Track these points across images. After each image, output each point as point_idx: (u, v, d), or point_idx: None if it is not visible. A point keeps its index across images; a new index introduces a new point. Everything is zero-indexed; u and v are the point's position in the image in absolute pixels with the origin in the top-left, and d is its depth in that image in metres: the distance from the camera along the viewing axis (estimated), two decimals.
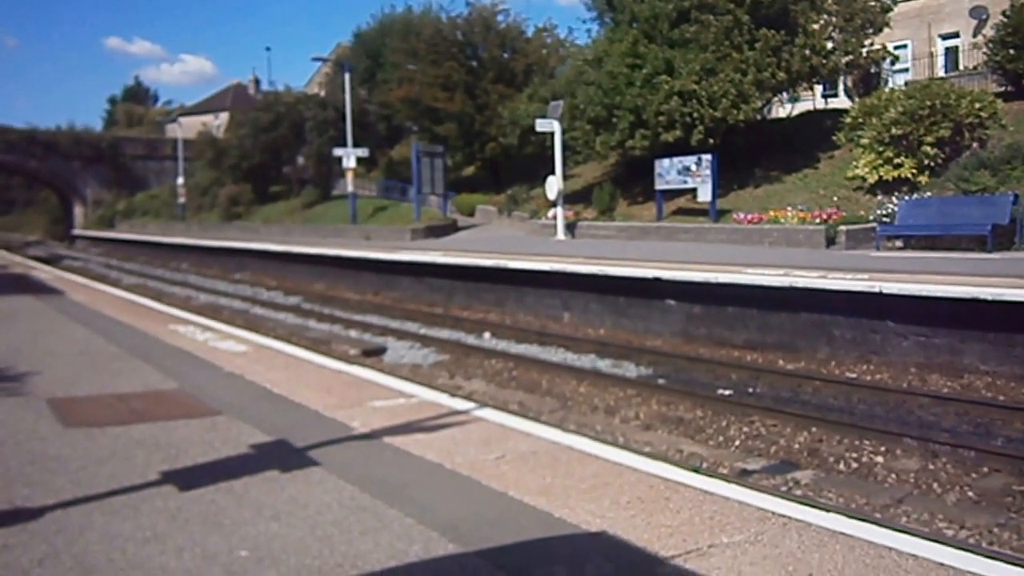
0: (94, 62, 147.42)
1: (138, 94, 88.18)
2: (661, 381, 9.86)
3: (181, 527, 3.50)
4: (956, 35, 26.13)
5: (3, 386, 6.45)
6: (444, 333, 14.03)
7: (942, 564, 2.99)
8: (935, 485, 6.20)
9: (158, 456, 4.55)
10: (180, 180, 48.18)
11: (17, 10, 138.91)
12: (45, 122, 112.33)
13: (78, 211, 58.60)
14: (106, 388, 6.41)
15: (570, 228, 22.37)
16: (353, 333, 14.50)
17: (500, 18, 31.51)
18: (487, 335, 13.57)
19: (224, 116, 55.51)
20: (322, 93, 42.64)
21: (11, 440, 4.90)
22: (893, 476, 6.44)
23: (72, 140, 57.12)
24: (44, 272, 22.12)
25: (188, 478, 4.14)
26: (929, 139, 16.94)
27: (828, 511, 3.72)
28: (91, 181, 57.16)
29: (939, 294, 9.30)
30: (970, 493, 6.01)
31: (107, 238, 49.07)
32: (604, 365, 10.94)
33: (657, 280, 12.45)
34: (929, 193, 16.54)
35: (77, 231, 56.83)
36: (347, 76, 31.29)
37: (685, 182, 20.37)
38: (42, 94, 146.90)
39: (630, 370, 10.63)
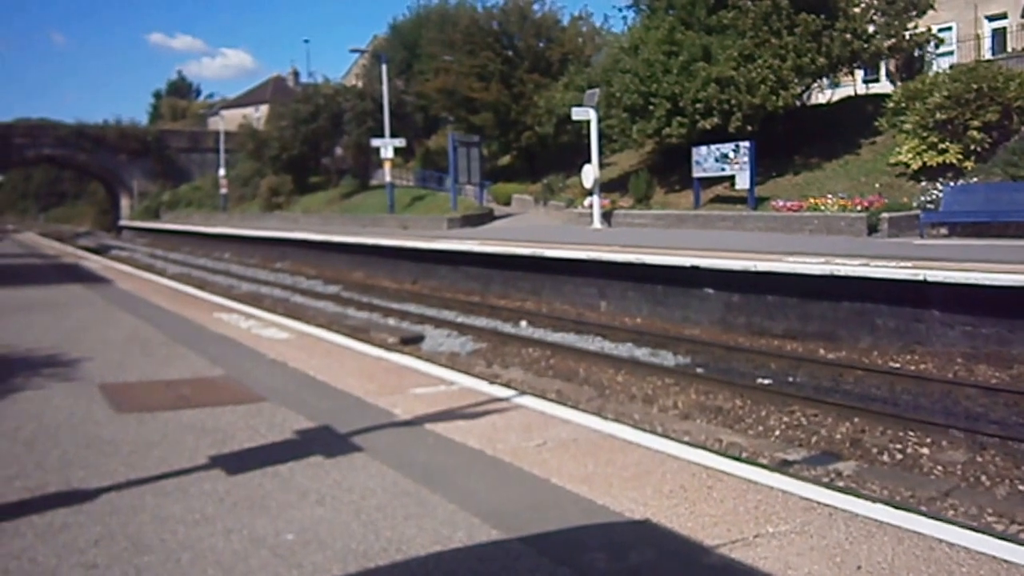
0: (138, 58, 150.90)
1: (181, 88, 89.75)
2: (699, 370, 9.79)
3: (229, 510, 3.58)
4: (1004, 16, 25.35)
5: (58, 371, 6.65)
6: (481, 321, 14.09)
7: (995, 558, 2.94)
8: (983, 478, 6.07)
9: (206, 441, 4.66)
10: (222, 171, 49.00)
11: (64, 8, 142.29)
12: (93, 117, 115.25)
13: (124, 202, 60.03)
14: (155, 374, 6.57)
15: (606, 216, 22.26)
16: (391, 321, 14.63)
17: (536, 7, 31.45)
18: (524, 323, 13.59)
19: (264, 108, 56.29)
20: (360, 84, 42.94)
21: (67, 423, 5.06)
22: (939, 468, 6.32)
23: (119, 134, 58.54)
24: (93, 262, 22.68)
25: (235, 462, 4.23)
26: (975, 123, 16.51)
27: (874, 502, 3.66)
28: (137, 173, 58.52)
29: (986, 282, 9.07)
30: (1021, 487, 5.87)
31: (152, 228, 50.16)
32: (642, 354, 10.89)
33: (695, 268, 12.34)
34: (976, 179, 16.12)
35: (124, 222, 58.22)
36: (384, 67, 31.48)
37: (723, 169, 20.12)
38: (89, 90, 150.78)
39: (668, 359, 10.57)
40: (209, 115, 67.77)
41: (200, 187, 55.37)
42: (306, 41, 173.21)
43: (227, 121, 54.54)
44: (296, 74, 69.19)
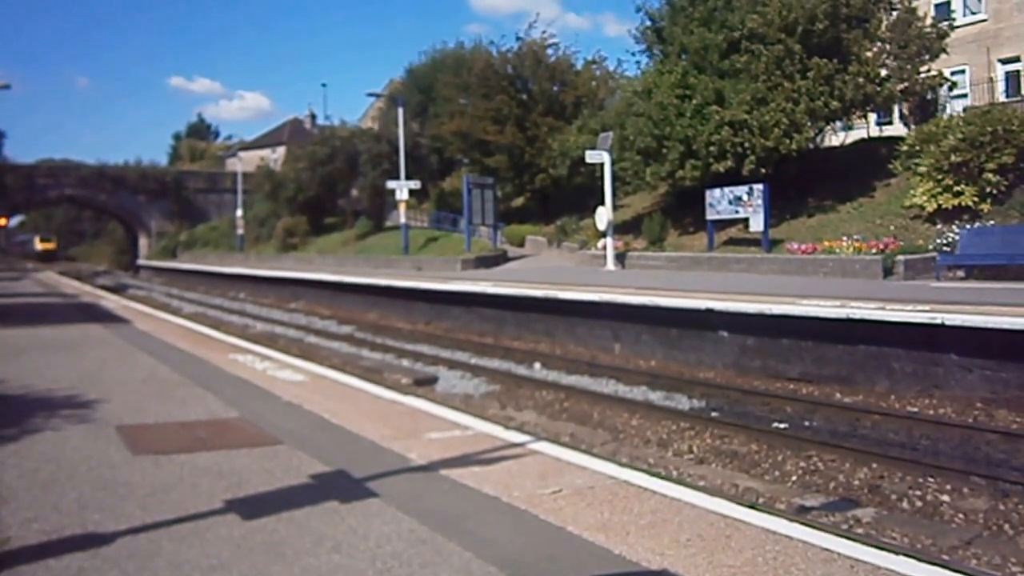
0: (159, 100, 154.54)
1: (200, 130, 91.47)
2: (714, 414, 9.72)
3: (245, 556, 3.58)
4: (1017, 59, 25.50)
5: (76, 412, 6.70)
6: (495, 363, 14.08)
7: None
8: (1006, 526, 5.96)
9: (222, 484, 4.67)
10: (239, 212, 49.63)
11: (88, 52, 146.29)
12: (114, 158, 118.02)
13: (143, 242, 60.85)
14: (171, 416, 6.61)
15: (620, 258, 22.32)
16: (405, 362, 14.65)
17: (550, 52, 31.90)
18: (537, 366, 13.57)
19: (281, 150, 57.18)
20: (376, 127, 43.58)
21: (84, 466, 5.09)
22: (960, 516, 6.21)
23: (139, 175, 59.68)
24: (111, 301, 22.90)
25: (251, 507, 4.23)
26: (991, 166, 16.53)
27: (897, 553, 3.61)
28: (155, 213, 59.45)
29: (1006, 326, 9.00)
30: None
31: (169, 268, 50.70)
32: (656, 397, 10.83)
33: (709, 311, 12.32)
34: (992, 221, 16.08)
35: (141, 261, 58.93)
36: (400, 110, 31.99)
37: (737, 212, 20.19)
38: (111, 131, 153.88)
39: (682, 402, 10.50)
40: (227, 156, 68.92)
41: (217, 227, 56.05)
42: (323, 85, 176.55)
43: (244, 163, 55.41)
44: (313, 117, 70.34)
